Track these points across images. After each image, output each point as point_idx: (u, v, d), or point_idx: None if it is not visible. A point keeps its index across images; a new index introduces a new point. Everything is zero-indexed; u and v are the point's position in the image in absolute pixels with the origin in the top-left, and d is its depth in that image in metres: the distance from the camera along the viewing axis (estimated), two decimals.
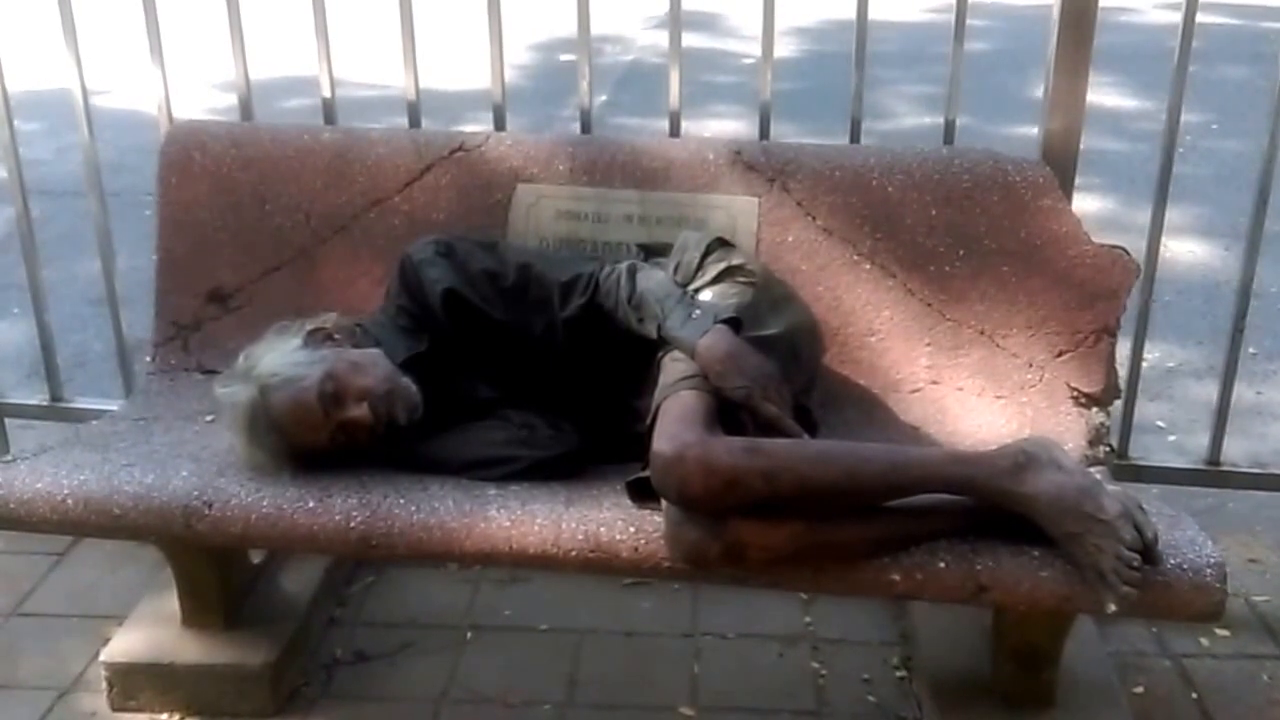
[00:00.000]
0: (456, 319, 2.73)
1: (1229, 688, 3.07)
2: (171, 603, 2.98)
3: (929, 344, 3.03)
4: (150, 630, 2.99)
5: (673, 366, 2.54)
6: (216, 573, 2.92)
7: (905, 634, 3.20)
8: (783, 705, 3.00)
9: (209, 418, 2.89)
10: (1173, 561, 2.33)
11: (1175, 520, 2.50)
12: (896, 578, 2.39)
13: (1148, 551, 2.25)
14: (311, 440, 2.62)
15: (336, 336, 2.73)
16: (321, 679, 3.07)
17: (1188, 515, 2.54)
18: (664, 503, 2.38)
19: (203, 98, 6.87)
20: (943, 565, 2.38)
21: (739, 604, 3.31)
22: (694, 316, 2.57)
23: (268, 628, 3.01)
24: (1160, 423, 4.39)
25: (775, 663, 3.15)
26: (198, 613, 2.97)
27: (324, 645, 3.17)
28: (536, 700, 3.00)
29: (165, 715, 2.93)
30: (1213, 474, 3.44)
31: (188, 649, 2.94)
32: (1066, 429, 2.90)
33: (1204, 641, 3.22)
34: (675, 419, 2.38)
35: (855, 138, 3.23)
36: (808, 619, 3.29)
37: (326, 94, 3.34)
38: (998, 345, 3.00)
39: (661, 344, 2.60)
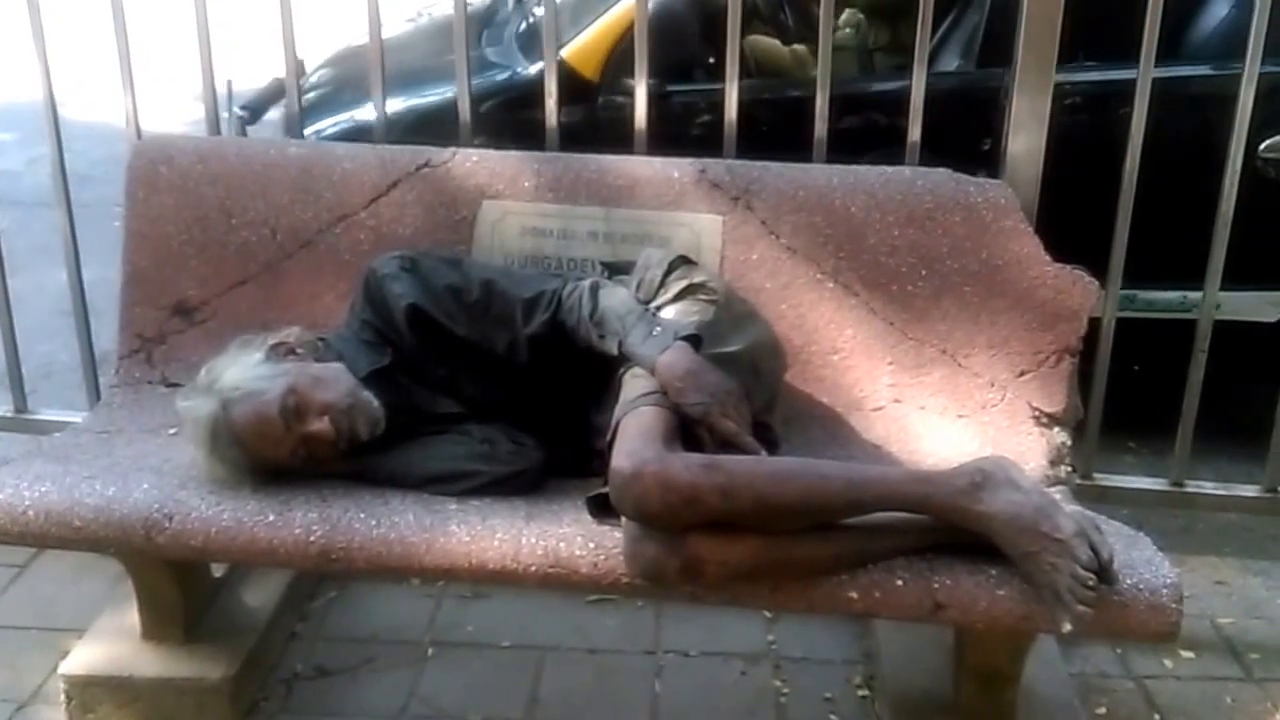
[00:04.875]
0: (420, 334, 2.73)
1: (1191, 710, 3.08)
2: (131, 616, 2.98)
3: (891, 363, 3.04)
4: (110, 643, 2.98)
5: (633, 383, 2.55)
6: (177, 586, 2.92)
7: (868, 653, 3.21)
8: None
9: (172, 431, 2.89)
10: (1129, 581, 2.35)
11: (1133, 540, 2.52)
12: (854, 595, 2.40)
13: (1103, 571, 2.26)
14: (273, 454, 2.62)
15: (299, 351, 2.74)
16: (281, 694, 3.07)
17: (1146, 535, 2.54)
18: (623, 519, 2.39)
19: (180, 109, 6.84)
20: (900, 583, 2.39)
21: (702, 622, 3.32)
22: (655, 333, 2.57)
23: (227, 641, 3.00)
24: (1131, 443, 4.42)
25: (738, 681, 3.15)
26: (157, 626, 2.96)
27: (284, 660, 3.17)
28: (497, 716, 3.00)
29: None
30: (1177, 496, 3.45)
31: (147, 662, 2.93)
32: (1028, 448, 2.91)
33: (1167, 663, 3.23)
34: (634, 435, 2.39)
35: (819, 157, 3.23)
36: (771, 637, 3.29)
37: (294, 108, 3.35)
38: (959, 365, 3.01)
39: (623, 361, 2.61)
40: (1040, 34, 3.04)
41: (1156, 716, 3.05)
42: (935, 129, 3.20)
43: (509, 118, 3.37)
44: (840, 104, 3.21)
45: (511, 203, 3.14)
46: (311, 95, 4.66)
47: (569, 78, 4.09)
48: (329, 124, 4.22)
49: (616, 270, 2.94)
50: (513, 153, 3.20)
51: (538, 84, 3.31)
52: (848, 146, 3.26)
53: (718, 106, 3.24)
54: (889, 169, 3.12)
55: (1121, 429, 3.80)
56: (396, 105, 4.21)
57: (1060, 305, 2.97)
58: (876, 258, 3.05)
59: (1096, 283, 3.00)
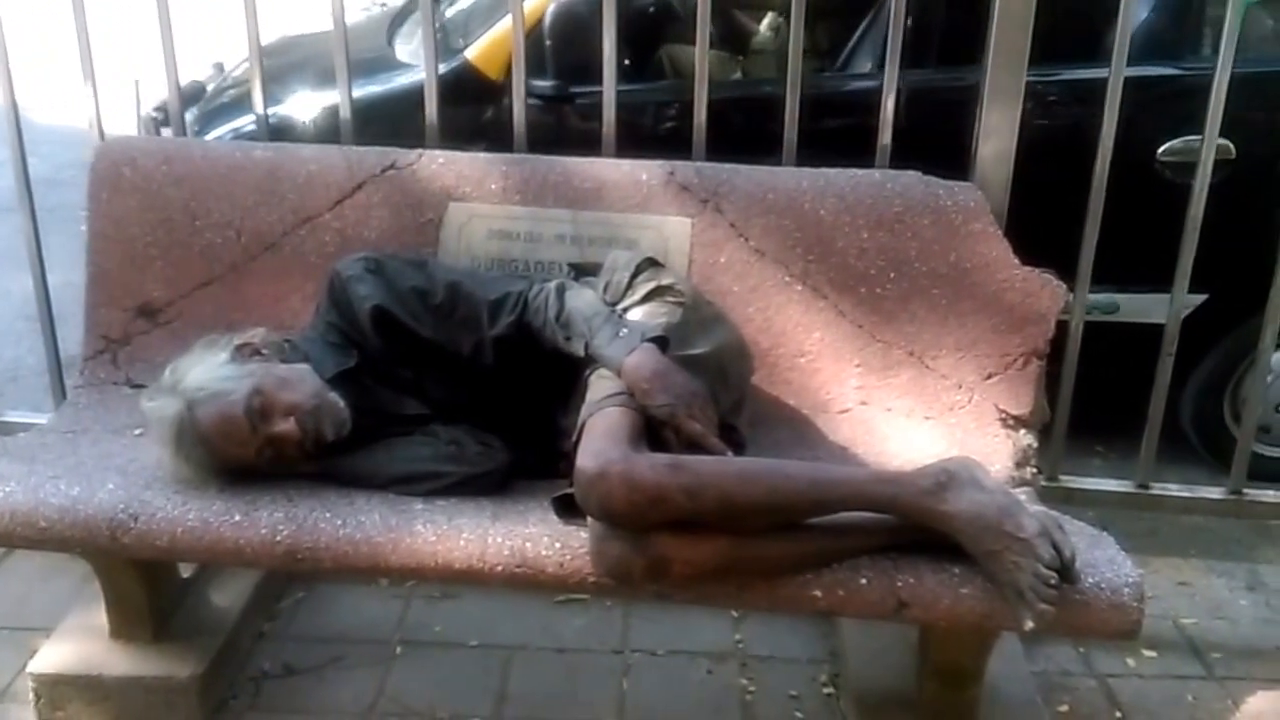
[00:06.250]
0: (385, 336, 2.74)
1: (1153, 708, 3.11)
2: (100, 615, 2.98)
3: (859, 365, 3.05)
4: (78, 642, 2.98)
5: (599, 384, 2.55)
6: (144, 586, 2.91)
7: (834, 652, 3.22)
8: None
9: (137, 432, 2.88)
10: (1091, 580, 2.37)
11: (1096, 540, 2.53)
12: (819, 594, 2.41)
13: (1065, 570, 2.28)
14: (238, 455, 2.62)
15: (264, 352, 2.73)
16: (250, 692, 3.07)
17: (1109, 535, 2.56)
18: (589, 518, 2.39)
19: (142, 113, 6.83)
20: (864, 582, 2.40)
21: (670, 621, 3.33)
22: (621, 335, 2.58)
23: (196, 640, 3.00)
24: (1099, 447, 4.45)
25: (704, 679, 3.16)
26: (126, 625, 2.96)
27: (252, 659, 3.17)
28: (464, 715, 3.01)
29: None
30: (1143, 498, 3.47)
31: (116, 661, 2.93)
32: (994, 450, 2.93)
33: (1130, 662, 3.26)
34: (600, 436, 2.39)
35: (789, 160, 3.24)
36: (738, 636, 3.31)
37: (259, 110, 3.35)
38: (927, 367, 3.03)
39: (589, 362, 2.61)
40: (1011, 37, 3.04)
41: (1118, 714, 3.07)
42: (846, 130, 3.22)
43: (410, 119, 3.37)
44: (764, 105, 3.24)
45: (478, 205, 3.14)
46: (235, 91, 4.66)
47: (473, 78, 4.14)
48: (250, 121, 4.11)
49: (585, 272, 2.95)
50: (480, 155, 3.20)
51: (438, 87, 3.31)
52: (771, 147, 3.29)
53: (624, 108, 3.25)
54: (859, 171, 3.13)
55: (1089, 433, 3.82)
56: (314, 100, 4.27)
57: (1028, 308, 2.99)
58: (845, 260, 3.06)
59: (1064, 286, 3.01)
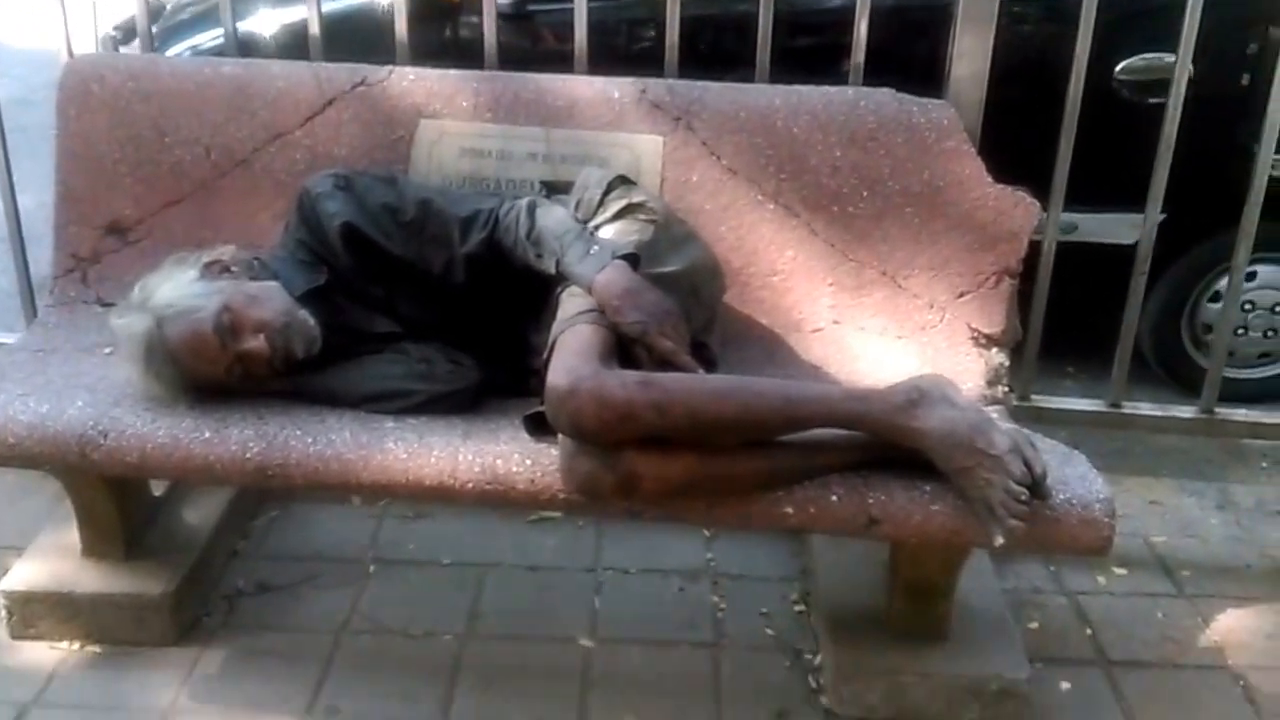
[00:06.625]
0: (355, 253, 2.72)
1: (1123, 624, 3.13)
2: (72, 534, 2.98)
3: (832, 284, 3.04)
4: (50, 560, 2.98)
5: (570, 301, 2.55)
6: (116, 503, 2.91)
7: (805, 570, 3.24)
8: (681, 637, 3.03)
9: (107, 350, 2.87)
10: (1062, 496, 2.38)
11: (1068, 457, 2.55)
12: (790, 510, 2.42)
13: (1036, 486, 2.30)
14: (208, 372, 2.61)
15: (234, 269, 2.72)
16: (223, 609, 3.07)
17: (1080, 453, 2.57)
18: (559, 435, 2.40)
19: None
20: (835, 499, 2.42)
21: (642, 540, 3.35)
22: (592, 252, 2.57)
23: (168, 558, 3.00)
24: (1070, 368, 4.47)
25: (676, 597, 3.18)
26: (97, 543, 2.96)
27: (226, 577, 3.17)
28: (437, 631, 3.02)
29: (65, 644, 2.92)
30: (1114, 416, 3.48)
31: (87, 578, 2.93)
32: (966, 369, 2.94)
33: (1100, 579, 3.28)
34: (571, 352, 2.39)
35: (761, 77, 3.22)
36: (709, 555, 3.32)
37: (229, 25, 3.31)
38: (900, 286, 3.03)
39: (560, 280, 2.61)
40: None
41: (1088, 631, 3.09)
42: (811, 49, 3.16)
43: (363, 36, 3.32)
44: (727, 23, 3.19)
45: (449, 122, 3.11)
46: (194, 8, 4.60)
47: None
48: (209, 38, 4.13)
49: (556, 190, 2.93)
50: (451, 72, 3.16)
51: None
52: (734, 65, 3.28)
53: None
54: (831, 89, 3.11)
55: (1061, 354, 3.83)
56: (272, 17, 4.24)
57: (1001, 226, 2.99)
58: (818, 179, 3.05)
59: (1038, 204, 3.01)
